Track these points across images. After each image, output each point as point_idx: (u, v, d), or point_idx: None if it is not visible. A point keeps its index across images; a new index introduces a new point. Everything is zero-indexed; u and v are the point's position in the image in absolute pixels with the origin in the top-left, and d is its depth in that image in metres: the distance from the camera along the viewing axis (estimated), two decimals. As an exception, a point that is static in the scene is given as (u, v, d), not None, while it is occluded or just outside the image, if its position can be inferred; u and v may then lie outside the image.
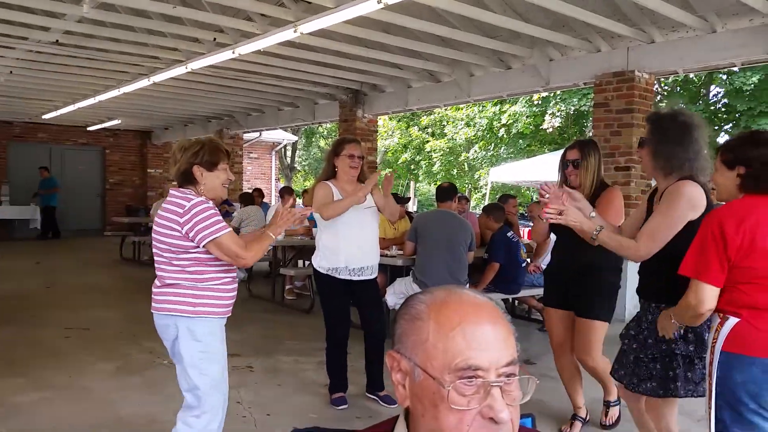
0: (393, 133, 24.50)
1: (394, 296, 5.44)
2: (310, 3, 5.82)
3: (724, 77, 13.60)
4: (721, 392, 2.09)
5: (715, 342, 2.11)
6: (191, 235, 2.43)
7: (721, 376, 2.09)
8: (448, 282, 5.13)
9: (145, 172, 17.17)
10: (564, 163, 3.37)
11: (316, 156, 30.21)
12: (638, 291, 2.72)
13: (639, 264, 2.69)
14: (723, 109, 14.30)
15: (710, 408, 2.13)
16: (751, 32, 5.90)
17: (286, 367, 4.80)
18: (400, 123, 23.89)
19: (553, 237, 3.84)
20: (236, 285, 2.71)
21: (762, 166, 2.10)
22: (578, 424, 3.65)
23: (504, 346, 0.92)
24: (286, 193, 8.40)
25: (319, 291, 4.05)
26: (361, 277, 3.91)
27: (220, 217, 2.49)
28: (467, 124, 19.17)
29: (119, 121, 14.66)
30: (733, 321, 2.08)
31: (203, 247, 2.46)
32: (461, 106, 17.97)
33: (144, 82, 9.08)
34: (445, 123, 20.88)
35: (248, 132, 14.50)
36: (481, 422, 0.90)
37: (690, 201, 2.46)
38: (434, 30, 6.59)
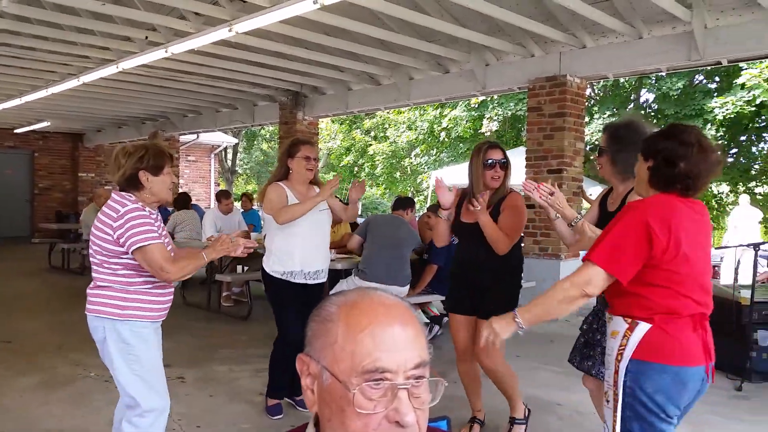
0: (336, 135, 24.43)
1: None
2: (245, 2, 5.72)
3: (654, 82, 14.17)
4: (630, 403, 2.01)
5: (623, 350, 2.01)
6: (122, 240, 2.46)
7: (630, 386, 2.00)
8: (388, 276, 5.17)
9: (76, 176, 16.50)
10: (487, 163, 3.30)
11: (258, 159, 29.77)
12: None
13: None
14: (652, 114, 14.88)
15: (615, 421, 2.05)
16: (674, 39, 6.15)
17: (219, 377, 4.67)
18: (343, 126, 23.84)
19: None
20: (171, 290, 2.71)
21: (663, 160, 2.06)
22: (477, 427, 3.67)
23: (413, 348, 0.91)
24: (222, 196, 8.21)
25: (271, 296, 3.89)
26: (316, 281, 3.85)
27: (154, 227, 2.52)
28: (409, 128, 19.31)
29: (48, 123, 14.04)
30: (644, 327, 1.99)
31: (131, 253, 2.47)
32: (403, 109, 18.10)
33: (73, 83, 8.71)
34: (387, 126, 20.96)
35: (185, 134, 14.15)
36: (387, 426, 0.88)
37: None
38: (373, 33, 6.60)
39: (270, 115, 10.94)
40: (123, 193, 2.57)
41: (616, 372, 2.03)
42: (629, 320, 2.02)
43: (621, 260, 1.96)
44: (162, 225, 2.72)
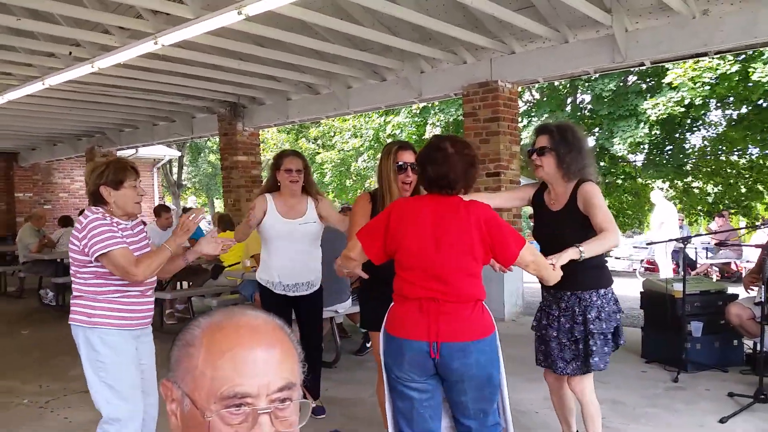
0: (283, 145, 24.23)
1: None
2: (169, 15, 5.61)
3: (587, 84, 14.59)
4: (384, 363, 2.43)
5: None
6: (86, 249, 2.59)
7: (382, 353, 2.43)
8: (330, 297, 5.10)
9: (12, 196, 15.81)
10: (398, 166, 3.06)
11: (206, 171, 29.27)
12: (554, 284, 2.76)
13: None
14: (588, 114, 15.32)
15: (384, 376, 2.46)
16: (598, 42, 6.33)
17: (159, 397, 4.55)
18: (290, 135, 23.68)
19: None
20: (147, 300, 2.81)
21: (420, 166, 2.48)
22: None
23: (278, 370, 0.89)
24: (162, 210, 8.03)
25: (260, 302, 4.08)
26: (297, 293, 3.89)
27: (116, 234, 2.62)
28: (354, 135, 19.33)
29: (-24, 143, 13.46)
30: (391, 305, 2.43)
31: (95, 260, 2.60)
32: (348, 117, 18.11)
33: (-2, 101, 8.38)
34: (333, 134, 20.93)
35: (123, 149, 13.76)
36: None
37: (601, 195, 2.83)
38: (306, 43, 6.57)
39: (209, 127, 10.76)
40: (92, 207, 2.72)
41: None
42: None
43: (370, 238, 2.41)
44: (143, 237, 2.82)
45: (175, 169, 25.76)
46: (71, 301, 2.75)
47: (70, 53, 6.69)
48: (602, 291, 2.84)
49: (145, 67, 7.31)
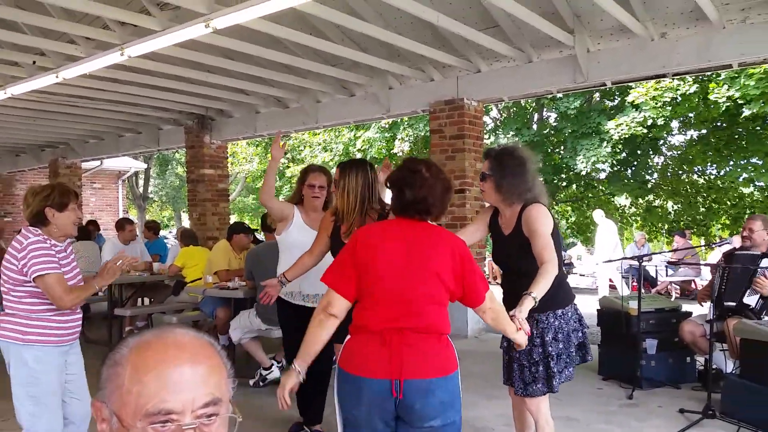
0: (252, 158, 24.11)
1: (239, 330, 5.24)
2: (136, 26, 5.59)
3: (553, 102, 14.89)
4: (339, 410, 2.22)
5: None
6: (25, 270, 2.73)
7: (336, 392, 2.23)
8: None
9: (-28, 209, 15.43)
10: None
11: (173, 185, 28.91)
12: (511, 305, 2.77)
13: (502, 284, 3.04)
14: (553, 132, 15.62)
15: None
16: (561, 62, 6.50)
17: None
18: (258, 148, 23.58)
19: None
20: (76, 315, 2.96)
21: (396, 189, 2.31)
22: None
23: (203, 386, 0.91)
24: (126, 223, 7.90)
25: (278, 317, 4.06)
26: (315, 304, 3.79)
27: (54, 258, 2.78)
28: (324, 149, 19.34)
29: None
30: (348, 338, 2.22)
31: (33, 280, 2.74)
32: (317, 131, 18.14)
33: (-44, 108, 8.20)
34: (303, 148, 20.91)
35: (87, 160, 13.55)
36: None
37: (545, 221, 2.80)
38: (275, 57, 6.60)
39: (176, 139, 10.66)
40: (31, 228, 2.85)
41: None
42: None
43: (341, 278, 2.20)
44: (73, 257, 2.99)
45: (141, 182, 25.39)
46: (2, 318, 2.85)
47: (34, 62, 6.60)
48: (559, 311, 2.83)
49: (111, 78, 7.25)
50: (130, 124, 10.67)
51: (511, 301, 2.80)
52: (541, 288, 2.57)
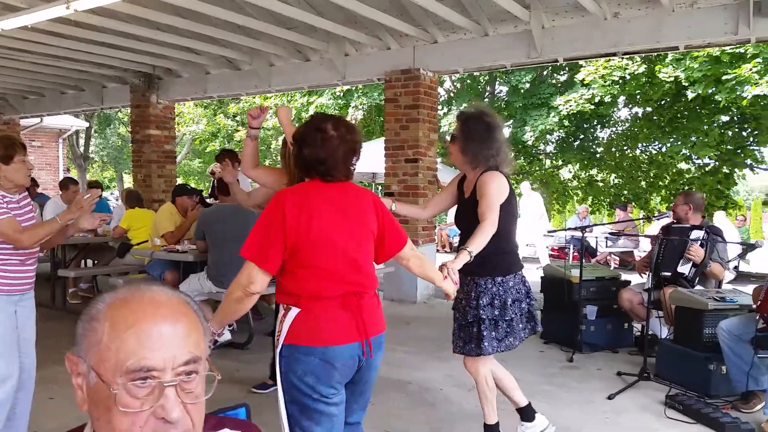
0: (199, 120, 23.49)
1: (189, 293, 5.22)
2: (83, -21, 5.33)
3: (505, 75, 15.07)
4: (287, 388, 2.06)
5: (279, 335, 2.08)
6: None
7: (285, 371, 2.06)
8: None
9: None
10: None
11: (115, 145, 27.94)
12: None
13: (458, 245, 3.06)
14: (504, 105, 15.83)
15: (280, 403, 2.10)
16: (516, 37, 6.59)
17: (62, 378, 4.39)
18: (207, 110, 22.97)
19: None
20: (28, 267, 3.01)
21: (297, 147, 2.20)
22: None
23: (183, 344, 0.92)
24: (70, 183, 7.62)
25: None
26: None
27: (1, 205, 2.84)
28: (275, 114, 19.03)
29: None
30: (294, 312, 2.05)
31: None
32: (269, 95, 17.81)
33: None
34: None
35: (26, 117, 12.94)
36: (155, 423, 0.89)
37: (499, 186, 2.85)
38: (229, 17, 6.44)
39: (121, 98, 10.30)
40: None
41: (279, 357, 2.09)
42: (285, 306, 2.09)
43: (268, 253, 2.02)
44: (29, 209, 3.04)
45: (81, 141, 24.42)
46: None
47: (-31, 11, 6.22)
48: (499, 278, 2.89)
49: (55, 32, 6.91)
50: (72, 81, 10.22)
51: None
52: (477, 244, 2.67)
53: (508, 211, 2.90)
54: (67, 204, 7.26)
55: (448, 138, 3.08)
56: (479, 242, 2.69)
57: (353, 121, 15.91)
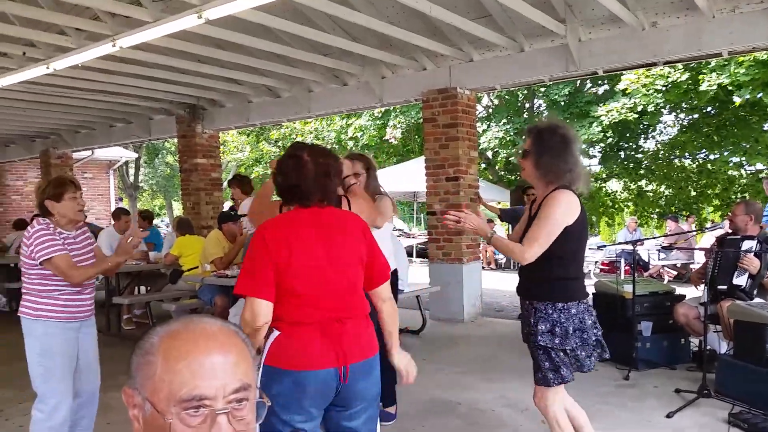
0: (243, 147, 24.03)
1: (237, 318, 5.28)
2: (128, 17, 5.55)
3: (543, 90, 14.92)
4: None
5: (262, 354, 2.12)
6: (33, 255, 3.04)
7: (261, 389, 2.11)
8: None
9: (-37, 199, 15.30)
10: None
11: (164, 173, 28.76)
12: (517, 290, 2.88)
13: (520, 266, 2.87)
14: (544, 120, 15.66)
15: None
16: (553, 52, 6.53)
17: (117, 405, 4.49)
18: (249, 137, 23.50)
19: None
20: (85, 296, 3.21)
21: (277, 175, 2.26)
22: None
23: (233, 373, 0.95)
24: (121, 213, 7.88)
25: None
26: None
27: (58, 242, 3.06)
28: (316, 138, 19.30)
29: None
30: (274, 335, 2.10)
31: (41, 264, 3.05)
32: (309, 120, 18.10)
33: (-55, 100, 8.13)
34: (294, 136, 20.85)
35: (78, 150, 13.46)
36: None
37: (567, 207, 2.64)
38: (268, 47, 6.59)
39: (167, 129, 10.62)
40: (39, 218, 3.16)
41: (258, 375, 2.12)
42: (270, 327, 2.11)
43: (260, 283, 2.05)
44: (86, 243, 3.25)
45: (131, 171, 25.25)
46: (22, 296, 3.19)
47: (24, 54, 6.54)
48: (560, 305, 2.66)
49: (102, 69, 7.20)
50: (121, 114, 10.61)
51: (521, 283, 2.86)
52: (501, 243, 2.76)
53: (576, 234, 2.67)
54: (120, 233, 7.50)
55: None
56: (501, 246, 2.75)
57: (392, 140, 16.05)
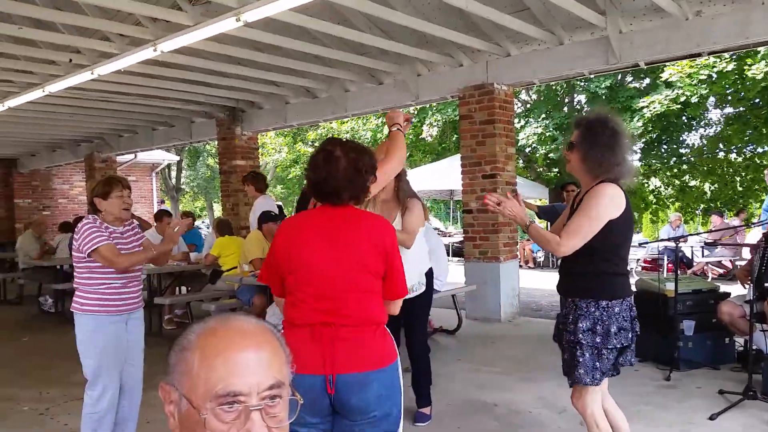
0: (281, 148, 24.33)
1: (275, 317, 5.36)
2: (168, 21, 5.68)
3: (583, 83, 14.67)
4: None
5: None
6: (81, 248, 3.20)
7: None
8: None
9: (11, 202, 15.85)
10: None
11: (205, 175, 29.35)
12: (558, 288, 2.82)
13: (560, 263, 2.83)
14: (585, 114, 15.41)
15: None
16: (593, 44, 6.40)
17: (158, 403, 4.60)
18: (287, 138, 23.76)
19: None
20: (130, 290, 3.37)
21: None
22: None
23: (267, 370, 0.97)
24: (164, 215, 8.07)
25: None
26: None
27: (103, 234, 3.23)
28: (353, 137, 19.40)
29: (-24, 150, 13.51)
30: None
31: (88, 255, 3.20)
32: (345, 119, 18.20)
33: (-2, 108, 8.45)
34: (331, 136, 21.02)
35: (122, 154, 13.83)
36: None
37: (612, 200, 2.57)
38: (305, 48, 6.66)
39: (208, 132, 10.83)
40: (89, 215, 3.35)
41: None
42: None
43: (268, 275, 2.19)
44: (134, 239, 3.43)
45: (173, 173, 25.83)
46: (74, 291, 3.39)
47: (71, 60, 6.76)
48: (603, 303, 2.59)
49: (144, 73, 7.38)
50: (163, 118, 10.86)
51: (561, 280, 2.81)
52: (538, 233, 2.69)
53: (620, 228, 2.59)
54: (162, 234, 7.68)
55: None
56: (537, 236, 2.70)
57: (429, 138, 15.92)
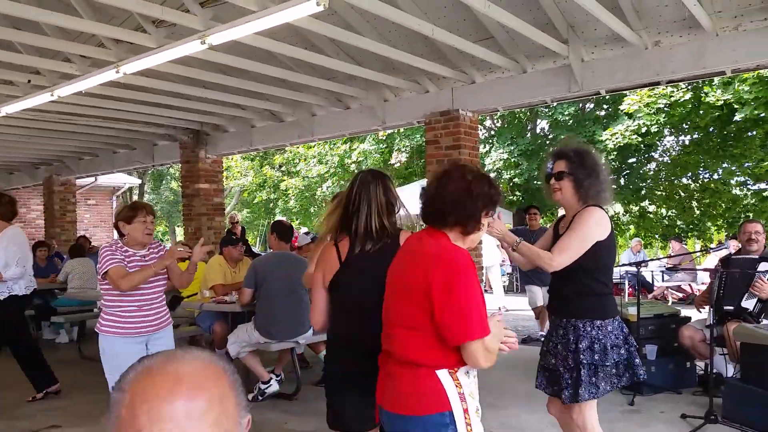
0: (247, 172, 24.11)
1: (236, 345, 5.22)
2: (132, 44, 5.61)
3: (546, 110, 14.98)
4: None
5: None
6: (98, 270, 3.41)
7: None
8: (292, 330, 5.06)
9: (-37, 225, 15.30)
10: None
11: (168, 199, 28.86)
12: (548, 308, 2.97)
13: (550, 285, 2.99)
14: (548, 141, 15.70)
15: None
16: (556, 72, 6.54)
17: None
18: (254, 162, 23.59)
19: None
20: (145, 313, 3.49)
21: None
22: None
23: (197, 423, 0.87)
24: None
25: None
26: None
27: (116, 256, 3.39)
28: (320, 161, 19.37)
29: (-73, 171, 13.04)
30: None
31: (102, 278, 3.40)
32: (312, 144, 18.17)
33: (-50, 128, 8.19)
34: (298, 161, 20.94)
35: (82, 177, 13.51)
36: None
37: (599, 223, 2.75)
38: (271, 72, 6.63)
39: (171, 155, 10.66)
40: (115, 238, 3.60)
41: None
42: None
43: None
44: (154, 254, 3.58)
45: (136, 197, 25.33)
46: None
47: (29, 81, 6.60)
48: (598, 322, 2.73)
49: (106, 95, 7.25)
50: (124, 140, 10.66)
51: (555, 301, 2.94)
52: (526, 250, 2.78)
53: (609, 249, 2.78)
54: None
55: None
56: (527, 252, 2.77)
57: (397, 164, 15.99)
